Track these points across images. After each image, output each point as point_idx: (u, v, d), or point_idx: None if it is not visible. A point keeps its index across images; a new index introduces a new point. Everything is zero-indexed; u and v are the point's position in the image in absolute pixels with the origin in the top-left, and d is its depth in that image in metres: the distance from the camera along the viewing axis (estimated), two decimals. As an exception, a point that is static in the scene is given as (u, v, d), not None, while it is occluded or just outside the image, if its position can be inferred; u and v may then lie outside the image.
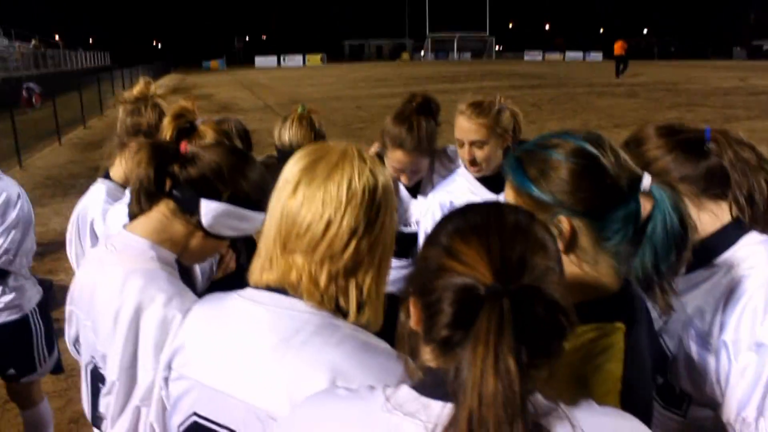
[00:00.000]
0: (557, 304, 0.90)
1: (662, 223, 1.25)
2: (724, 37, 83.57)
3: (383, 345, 1.25)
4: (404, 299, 1.04)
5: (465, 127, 2.57)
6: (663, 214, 1.25)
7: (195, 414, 1.31)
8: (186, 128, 2.12)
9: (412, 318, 1.00)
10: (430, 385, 0.95)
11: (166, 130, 2.07)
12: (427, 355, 0.98)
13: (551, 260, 0.95)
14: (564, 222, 1.29)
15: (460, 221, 0.99)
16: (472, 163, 2.60)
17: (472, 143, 2.57)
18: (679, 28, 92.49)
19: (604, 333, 1.26)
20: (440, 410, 0.90)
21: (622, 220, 1.28)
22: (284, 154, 2.55)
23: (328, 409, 1.03)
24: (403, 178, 2.81)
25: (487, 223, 0.96)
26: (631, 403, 1.21)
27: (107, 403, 1.62)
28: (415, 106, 2.79)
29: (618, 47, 33.93)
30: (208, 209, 1.64)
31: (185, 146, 1.69)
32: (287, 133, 2.59)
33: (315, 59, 70.20)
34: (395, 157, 2.75)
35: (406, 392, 0.97)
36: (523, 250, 0.93)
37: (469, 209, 1.03)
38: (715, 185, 1.64)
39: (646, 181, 1.29)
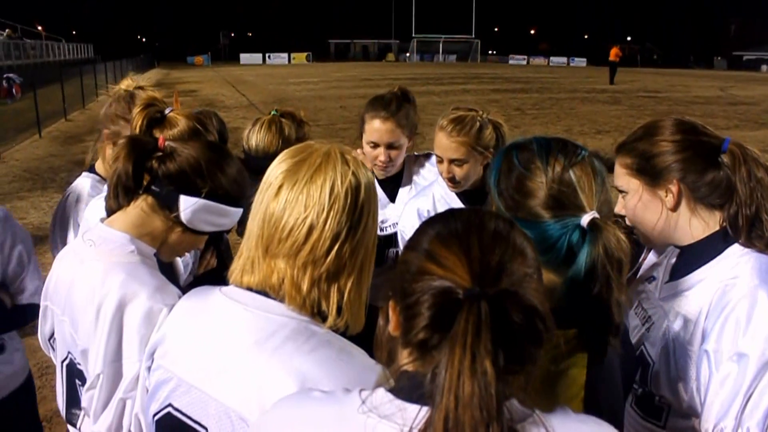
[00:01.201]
0: (535, 309, 0.91)
1: (575, 267, 1.25)
2: (706, 47, 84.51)
3: (359, 353, 1.25)
4: (383, 304, 1.04)
5: (444, 144, 2.50)
6: (579, 260, 1.25)
7: (170, 405, 1.31)
8: (156, 117, 2.10)
9: (391, 322, 1.01)
10: (407, 389, 0.95)
11: (136, 120, 2.06)
12: (405, 359, 0.98)
13: (530, 267, 0.96)
14: None
15: (441, 226, 1.00)
16: (451, 180, 2.55)
17: (451, 161, 2.51)
18: (661, 37, 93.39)
19: (567, 339, 1.27)
20: (416, 413, 0.90)
21: (550, 241, 1.30)
22: (250, 158, 2.51)
23: (302, 411, 1.03)
24: (381, 156, 2.73)
25: (467, 229, 0.98)
26: (596, 409, 1.21)
27: (90, 398, 1.60)
28: (394, 92, 2.81)
29: (612, 54, 34.20)
30: (187, 205, 1.63)
31: (163, 141, 1.67)
32: (254, 137, 2.53)
33: (300, 58, 69.97)
34: (371, 128, 2.70)
35: (382, 395, 0.97)
36: (502, 256, 0.94)
37: (451, 215, 1.04)
38: (715, 197, 1.63)
39: (585, 219, 1.28)
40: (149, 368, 1.40)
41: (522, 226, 1.27)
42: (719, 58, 74.82)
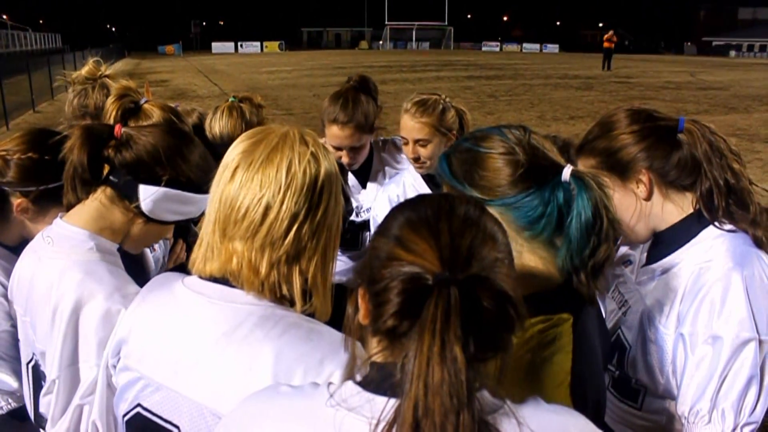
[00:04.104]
0: (506, 294, 0.89)
1: (577, 216, 1.25)
2: (676, 33, 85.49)
3: (329, 331, 1.22)
4: (352, 291, 1.02)
5: (409, 125, 2.59)
6: (578, 207, 1.25)
7: (139, 405, 1.27)
8: (131, 108, 2.04)
9: (361, 310, 0.99)
10: (376, 381, 0.94)
11: (110, 111, 1.99)
12: (374, 348, 0.97)
13: (500, 252, 0.95)
14: None
15: (410, 212, 0.99)
16: (416, 160, 2.63)
17: (416, 141, 2.60)
18: (633, 23, 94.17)
19: (551, 325, 1.26)
20: (384, 405, 0.89)
21: (539, 209, 1.28)
22: (215, 146, 2.51)
23: (270, 406, 1.01)
24: (344, 158, 2.76)
25: (437, 214, 0.96)
26: (582, 394, 1.21)
27: (47, 403, 1.55)
28: (352, 85, 2.80)
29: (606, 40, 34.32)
30: (148, 194, 1.57)
31: (119, 128, 1.60)
32: (217, 125, 2.56)
33: (273, 46, 69.44)
34: (331, 133, 2.72)
35: (350, 387, 0.96)
36: (472, 241, 0.92)
37: (421, 200, 1.02)
38: (684, 177, 1.63)
39: (566, 172, 1.28)
40: (115, 366, 1.35)
41: (505, 205, 1.28)
42: (689, 43, 75.79)
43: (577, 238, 1.25)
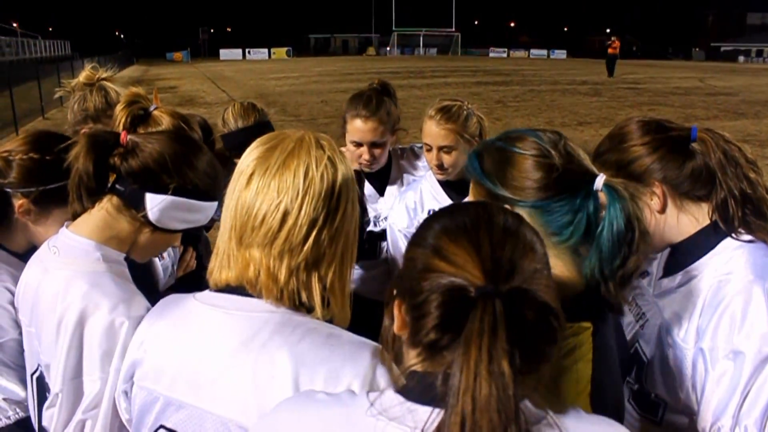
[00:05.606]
0: (548, 306, 0.88)
1: (609, 225, 1.23)
2: (684, 39, 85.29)
3: (347, 334, 1.21)
4: (388, 303, 1.01)
5: (434, 132, 2.57)
6: (611, 216, 1.23)
7: (162, 427, 1.24)
8: (140, 115, 2.02)
9: (396, 322, 0.98)
10: (417, 390, 0.93)
11: (120, 118, 1.98)
12: (413, 359, 0.95)
13: (539, 263, 0.94)
14: None
15: (447, 221, 0.97)
16: (440, 167, 2.62)
17: (440, 148, 2.58)
18: (640, 29, 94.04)
19: (571, 333, 1.24)
20: (427, 416, 0.87)
21: (569, 215, 1.27)
22: (232, 135, 2.63)
23: (306, 415, 0.99)
24: (365, 155, 2.75)
25: (476, 224, 0.95)
26: (602, 403, 1.20)
27: (50, 417, 1.51)
28: (374, 87, 2.84)
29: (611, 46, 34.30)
30: (154, 203, 1.54)
31: (125, 136, 1.57)
32: (231, 117, 2.68)
33: (280, 53, 69.70)
34: (354, 128, 2.72)
35: (391, 397, 0.94)
36: (513, 252, 0.91)
37: (457, 209, 1.00)
38: (698, 188, 1.60)
39: (599, 181, 1.27)
40: (126, 392, 1.33)
41: (535, 207, 1.28)
42: (697, 49, 75.62)
43: (608, 248, 1.23)
